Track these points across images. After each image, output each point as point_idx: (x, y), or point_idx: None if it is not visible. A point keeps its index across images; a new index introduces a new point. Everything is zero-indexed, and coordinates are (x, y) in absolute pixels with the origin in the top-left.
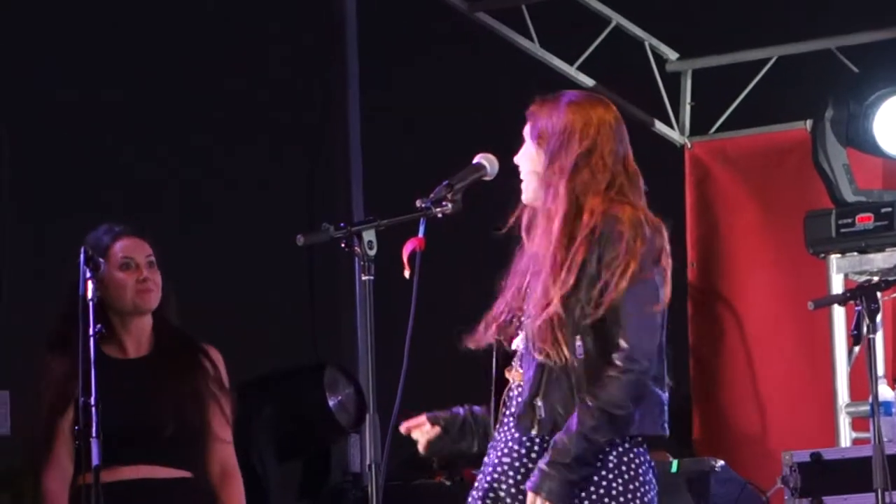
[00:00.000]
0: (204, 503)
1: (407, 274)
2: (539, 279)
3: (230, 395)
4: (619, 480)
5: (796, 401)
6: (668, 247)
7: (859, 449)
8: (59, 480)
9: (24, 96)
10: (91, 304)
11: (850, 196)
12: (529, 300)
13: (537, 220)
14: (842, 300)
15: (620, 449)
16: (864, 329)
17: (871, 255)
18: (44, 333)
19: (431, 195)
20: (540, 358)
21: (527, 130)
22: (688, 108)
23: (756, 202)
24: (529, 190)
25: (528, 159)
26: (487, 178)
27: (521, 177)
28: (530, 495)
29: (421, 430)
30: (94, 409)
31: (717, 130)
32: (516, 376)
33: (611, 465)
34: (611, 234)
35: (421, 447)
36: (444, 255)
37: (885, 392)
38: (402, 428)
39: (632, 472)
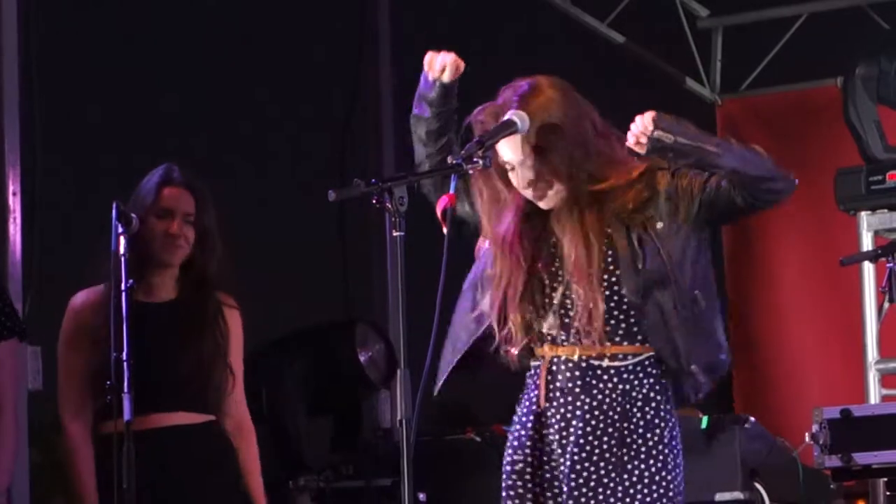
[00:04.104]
0: (226, 446)
1: (445, 230)
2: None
3: (240, 355)
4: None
5: (826, 357)
6: None
7: (889, 405)
8: (82, 426)
9: (60, 40)
10: (123, 259)
11: (880, 153)
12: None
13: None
14: (873, 257)
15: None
16: None
17: None
18: (75, 289)
19: (463, 152)
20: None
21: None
22: (718, 65)
23: (787, 159)
24: None
25: None
26: (519, 134)
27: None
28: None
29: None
30: (126, 364)
31: (748, 88)
32: (568, 351)
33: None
34: None
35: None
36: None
37: None
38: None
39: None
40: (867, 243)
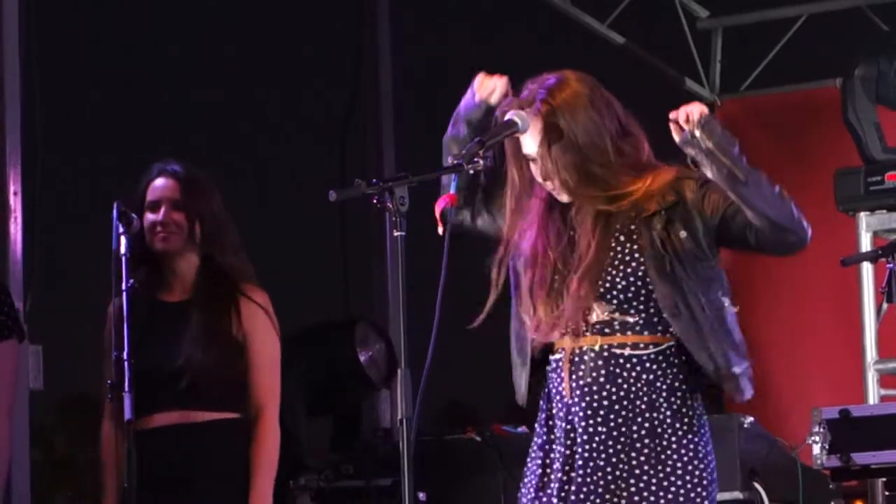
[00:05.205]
0: (230, 444)
1: (441, 230)
2: None
3: (274, 338)
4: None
5: (826, 357)
6: None
7: (887, 406)
8: (113, 424)
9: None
10: (124, 259)
11: (879, 154)
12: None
13: None
14: (872, 257)
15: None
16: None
17: None
18: (75, 289)
19: (463, 151)
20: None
21: None
22: (718, 65)
23: (786, 159)
24: None
25: None
26: (519, 135)
27: None
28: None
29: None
30: (126, 363)
31: (748, 88)
32: (590, 341)
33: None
34: None
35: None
36: None
37: None
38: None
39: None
40: (866, 244)
